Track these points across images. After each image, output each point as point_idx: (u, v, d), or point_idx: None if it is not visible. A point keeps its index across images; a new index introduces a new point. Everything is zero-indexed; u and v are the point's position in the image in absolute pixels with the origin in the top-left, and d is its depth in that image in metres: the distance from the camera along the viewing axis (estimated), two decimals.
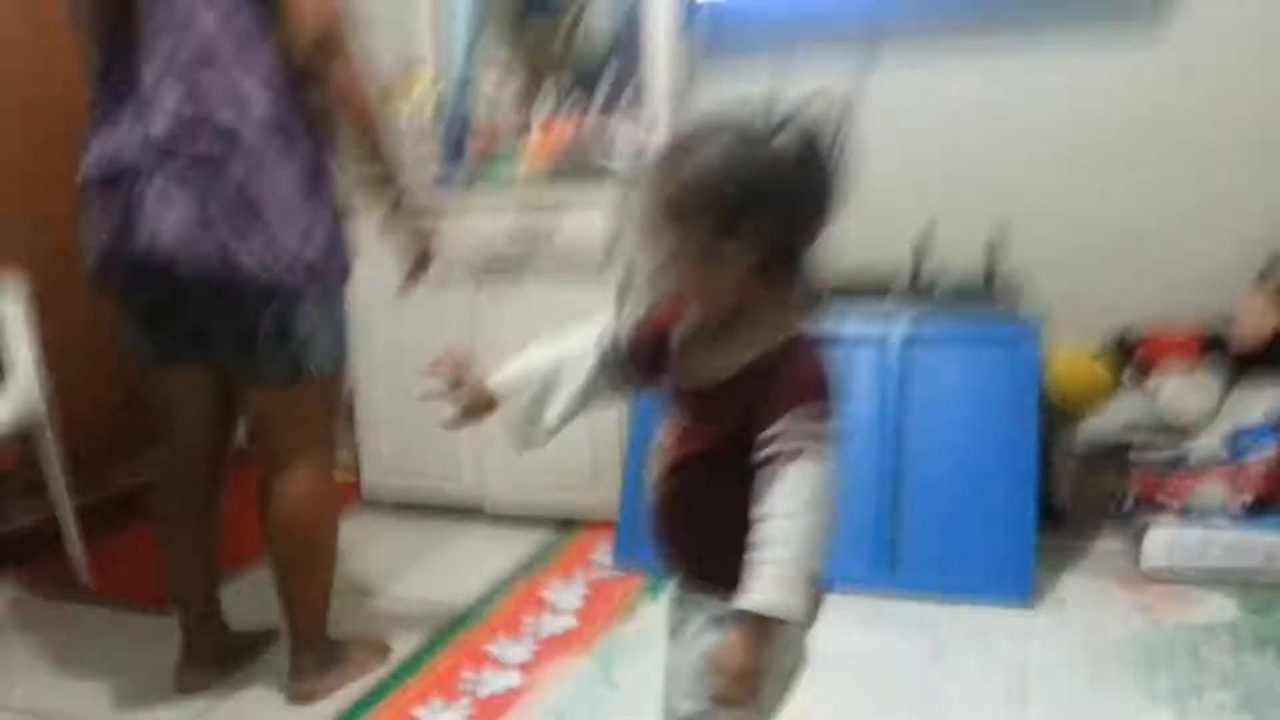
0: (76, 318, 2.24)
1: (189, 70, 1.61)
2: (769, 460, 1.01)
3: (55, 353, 2.41)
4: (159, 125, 1.62)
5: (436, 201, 1.91)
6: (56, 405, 2.39)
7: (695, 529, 1.14)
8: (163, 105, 1.62)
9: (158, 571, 2.02)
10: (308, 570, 1.89)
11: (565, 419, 1.22)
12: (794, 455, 1.00)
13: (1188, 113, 2.57)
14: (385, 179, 1.78)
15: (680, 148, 1.05)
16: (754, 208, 1.01)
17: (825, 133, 1.03)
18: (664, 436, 1.17)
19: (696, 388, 1.12)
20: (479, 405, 1.22)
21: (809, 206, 1.04)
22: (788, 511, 0.99)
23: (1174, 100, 2.58)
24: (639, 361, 1.20)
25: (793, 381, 1.03)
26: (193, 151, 1.61)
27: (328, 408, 1.88)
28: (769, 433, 1.01)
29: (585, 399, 1.21)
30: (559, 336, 1.24)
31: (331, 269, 1.76)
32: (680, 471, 1.14)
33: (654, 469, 1.17)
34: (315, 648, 1.92)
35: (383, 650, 2.06)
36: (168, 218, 1.62)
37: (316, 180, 1.72)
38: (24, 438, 2.37)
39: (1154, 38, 2.56)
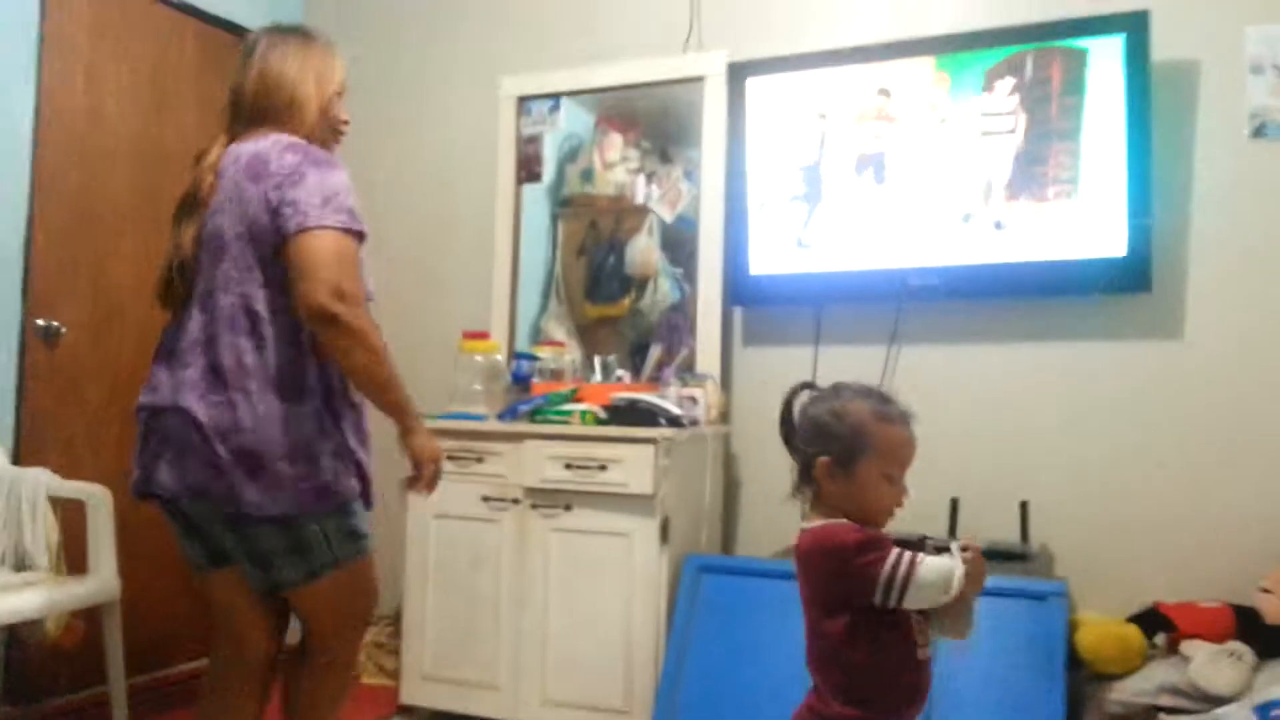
0: (150, 527, 2.46)
1: (212, 341, 1.88)
2: None
3: (130, 555, 2.69)
4: (185, 378, 1.88)
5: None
6: (125, 598, 2.62)
7: None
8: (190, 364, 1.89)
9: None
10: None
11: None
12: None
13: (1208, 405, 2.71)
14: (396, 410, 1.96)
15: None
16: None
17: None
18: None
19: None
20: None
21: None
22: None
23: (1194, 394, 2.72)
24: None
25: None
26: (207, 407, 1.85)
27: (353, 589, 2.01)
28: None
29: None
30: None
31: (342, 489, 1.93)
32: None
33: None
34: None
35: None
36: (179, 462, 1.86)
37: (329, 419, 1.93)
38: (94, 618, 2.57)
39: (1167, 336, 2.76)
